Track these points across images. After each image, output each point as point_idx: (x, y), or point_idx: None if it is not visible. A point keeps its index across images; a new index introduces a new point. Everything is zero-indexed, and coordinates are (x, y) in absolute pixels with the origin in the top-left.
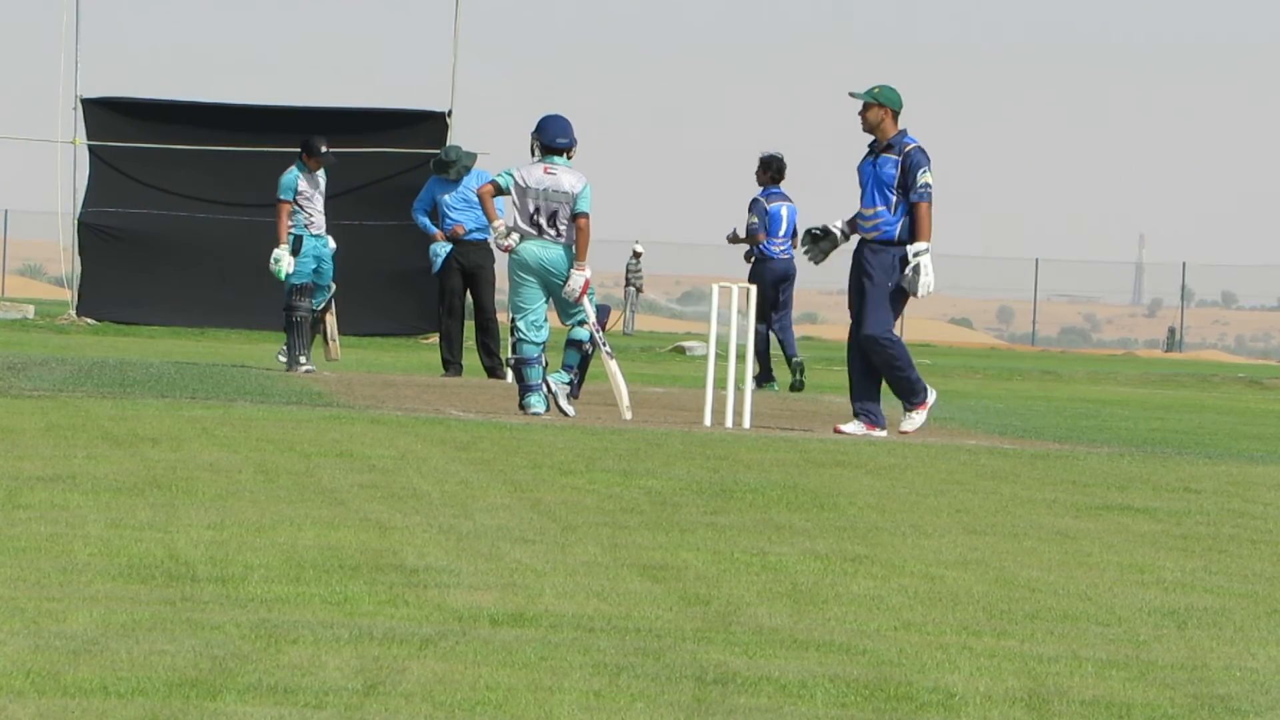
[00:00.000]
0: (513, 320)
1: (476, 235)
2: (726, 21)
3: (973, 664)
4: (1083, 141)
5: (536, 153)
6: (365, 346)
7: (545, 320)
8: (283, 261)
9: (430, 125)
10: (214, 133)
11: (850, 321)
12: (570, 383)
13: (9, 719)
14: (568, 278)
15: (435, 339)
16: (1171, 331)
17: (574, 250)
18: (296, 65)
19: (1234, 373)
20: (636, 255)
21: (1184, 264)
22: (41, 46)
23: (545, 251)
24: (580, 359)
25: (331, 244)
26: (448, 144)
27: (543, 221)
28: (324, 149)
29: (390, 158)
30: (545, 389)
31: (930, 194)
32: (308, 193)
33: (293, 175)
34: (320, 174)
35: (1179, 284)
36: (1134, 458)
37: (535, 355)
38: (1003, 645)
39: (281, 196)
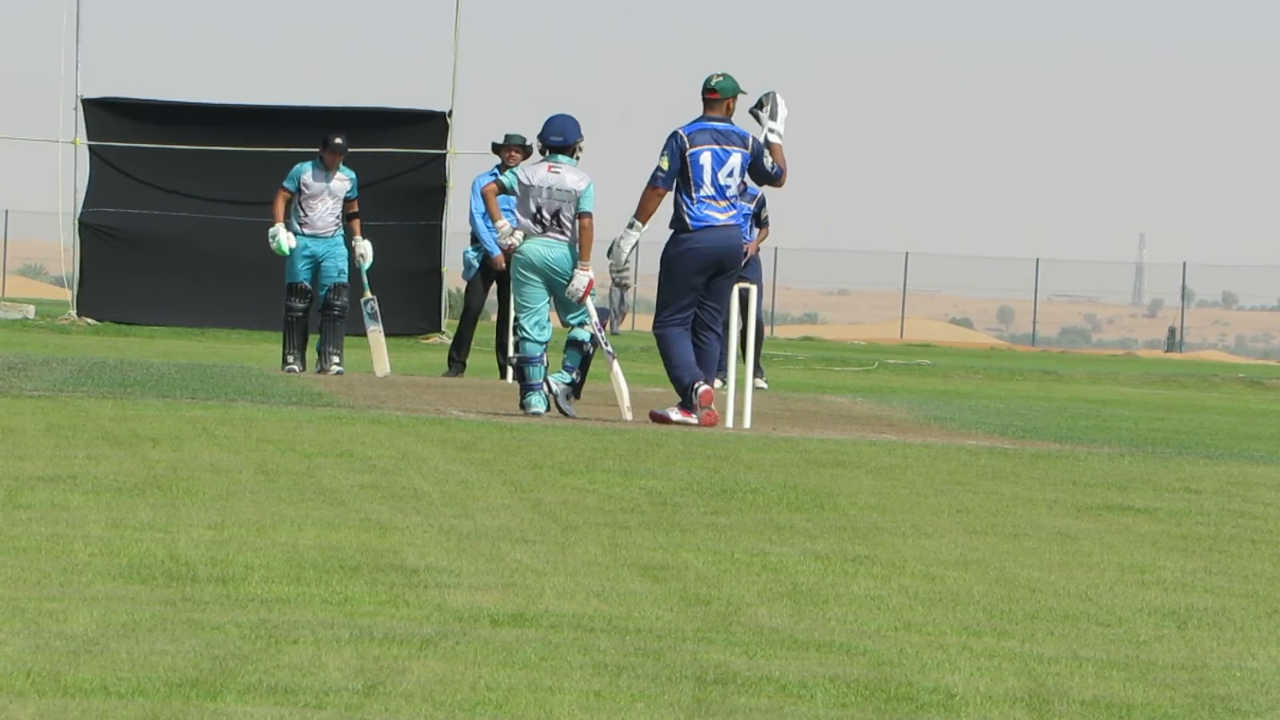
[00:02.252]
0: (516, 319)
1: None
2: (728, 21)
3: (973, 664)
4: (1083, 142)
5: (544, 152)
6: (366, 347)
7: (549, 320)
8: (280, 237)
9: (430, 125)
10: (214, 133)
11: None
12: (571, 383)
13: (9, 719)
14: (572, 277)
15: (436, 339)
16: (1172, 332)
17: (578, 249)
18: (297, 65)
19: (1234, 373)
20: None
21: (1184, 264)
22: (42, 46)
23: (550, 250)
24: (581, 359)
25: (367, 249)
26: (448, 145)
27: (546, 220)
28: (337, 140)
29: (391, 158)
30: (546, 388)
31: (657, 178)
32: (314, 192)
33: (300, 168)
34: (339, 176)
35: (1179, 284)
36: (1134, 458)
37: (538, 355)
38: (1003, 645)
39: (282, 183)
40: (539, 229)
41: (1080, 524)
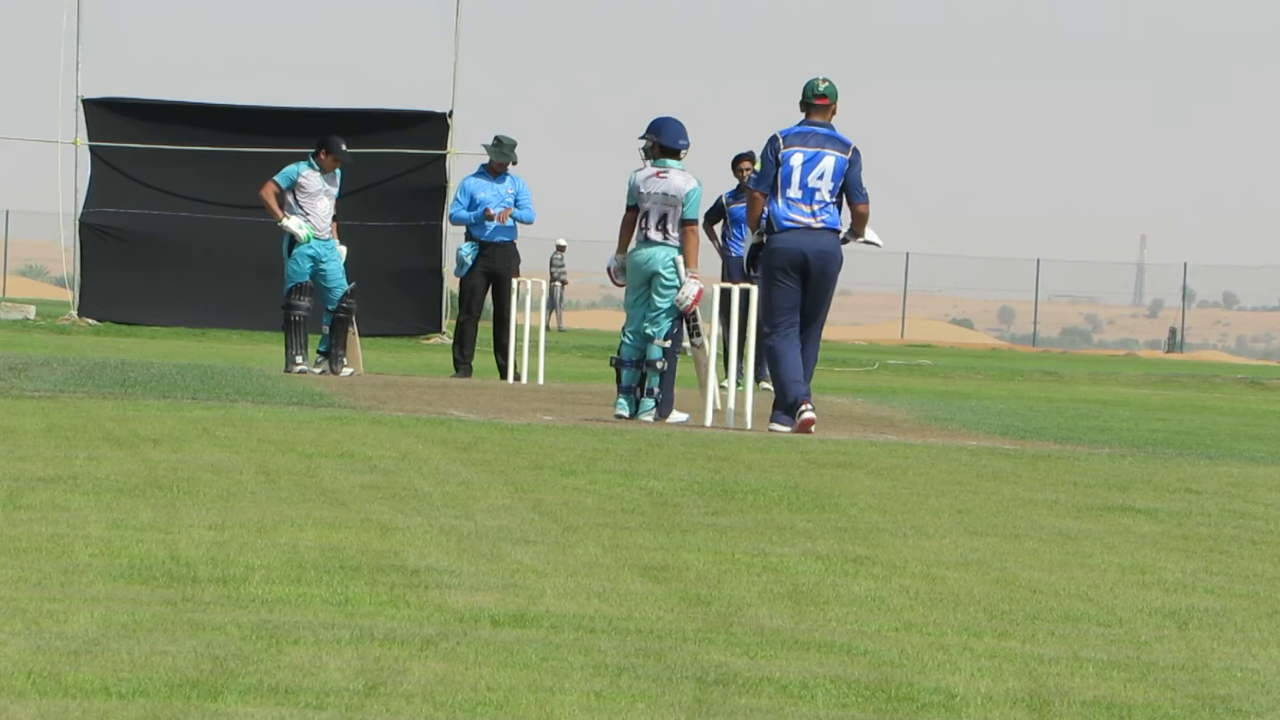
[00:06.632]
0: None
1: (502, 238)
2: (727, 22)
3: (974, 665)
4: (1083, 141)
5: (649, 154)
6: (367, 347)
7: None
8: (290, 224)
9: (431, 125)
10: (214, 133)
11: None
12: (656, 405)
13: (10, 719)
14: (681, 284)
15: (436, 340)
16: (1173, 332)
17: (682, 253)
18: (297, 65)
19: (1235, 373)
20: (560, 249)
21: (1185, 264)
22: (42, 46)
23: (651, 249)
24: (660, 378)
25: (342, 251)
26: (448, 145)
27: (653, 224)
28: (343, 146)
29: (391, 158)
30: (634, 404)
31: (750, 182)
32: (312, 191)
33: (295, 168)
34: (334, 177)
35: (1180, 284)
36: (1135, 458)
37: (634, 359)
38: (1004, 646)
39: (274, 178)
40: (644, 232)
41: (1081, 524)
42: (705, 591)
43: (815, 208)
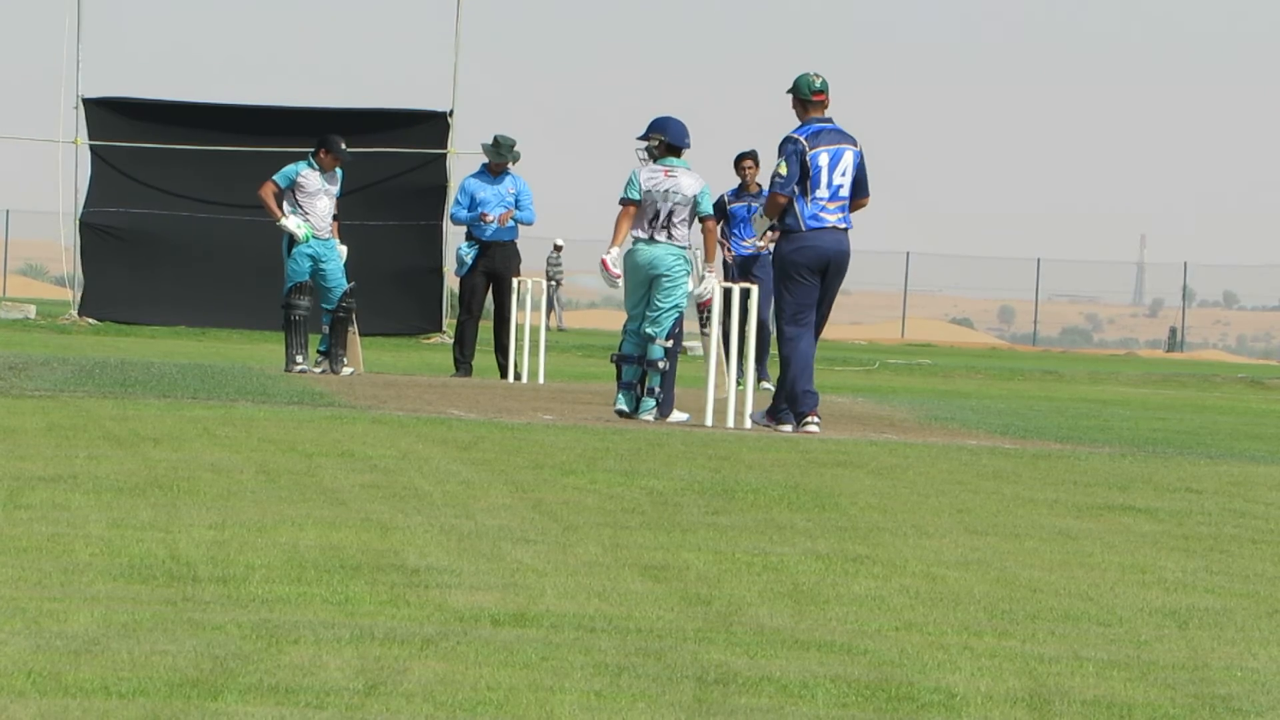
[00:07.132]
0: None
1: (502, 237)
2: (727, 21)
3: (974, 664)
4: (1083, 141)
5: (654, 154)
6: (367, 346)
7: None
8: (289, 223)
9: (431, 125)
10: (215, 133)
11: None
12: (657, 404)
13: (10, 719)
14: (702, 278)
15: (436, 339)
16: (1173, 331)
17: (687, 249)
18: (297, 65)
19: (1235, 373)
20: (557, 249)
21: (1185, 264)
22: (43, 46)
23: (653, 249)
24: (661, 378)
25: (343, 251)
26: (449, 145)
27: (660, 222)
28: (342, 145)
29: (391, 158)
30: (635, 400)
31: (777, 184)
32: (312, 190)
33: (294, 168)
34: (335, 176)
35: (1180, 284)
36: (1135, 458)
37: (636, 355)
38: (1004, 645)
39: (273, 178)
40: (648, 232)
41: (1081, 524)
42: (705, 591)
43: (837, 204)
